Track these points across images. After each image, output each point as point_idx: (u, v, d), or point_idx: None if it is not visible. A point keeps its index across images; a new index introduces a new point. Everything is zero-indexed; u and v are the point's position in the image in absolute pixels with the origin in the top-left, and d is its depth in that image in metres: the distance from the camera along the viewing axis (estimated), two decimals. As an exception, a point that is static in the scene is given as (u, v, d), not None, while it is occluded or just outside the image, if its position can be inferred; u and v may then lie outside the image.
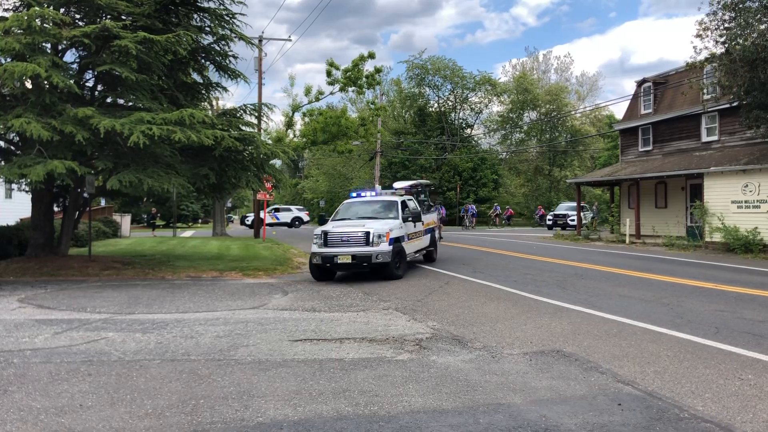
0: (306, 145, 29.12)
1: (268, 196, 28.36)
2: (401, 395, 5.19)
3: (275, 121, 65.01)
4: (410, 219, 14.22)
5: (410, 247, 14.24)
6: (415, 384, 5.52)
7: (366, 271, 13.35)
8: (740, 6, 17.86)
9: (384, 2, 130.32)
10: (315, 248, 13.04)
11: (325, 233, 12.96)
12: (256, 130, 18.18)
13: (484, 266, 15.68)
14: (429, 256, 16.65)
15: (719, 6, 18.47)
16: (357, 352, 6.70)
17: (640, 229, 25.69)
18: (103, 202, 35.51)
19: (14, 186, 17.73)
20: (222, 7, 16.13)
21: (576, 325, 8.10)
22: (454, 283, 12.64)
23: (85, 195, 16.11)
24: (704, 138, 24.14)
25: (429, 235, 16.33)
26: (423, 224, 15.61)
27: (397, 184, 18.04)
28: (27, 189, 15.81)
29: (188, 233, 39.39)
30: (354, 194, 16.14)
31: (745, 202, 19.62)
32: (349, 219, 14.19)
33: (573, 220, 34.61)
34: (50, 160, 12.03)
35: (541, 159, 58.64)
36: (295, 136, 29.85)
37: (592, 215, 36.05)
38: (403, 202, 14.72)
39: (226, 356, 6.53)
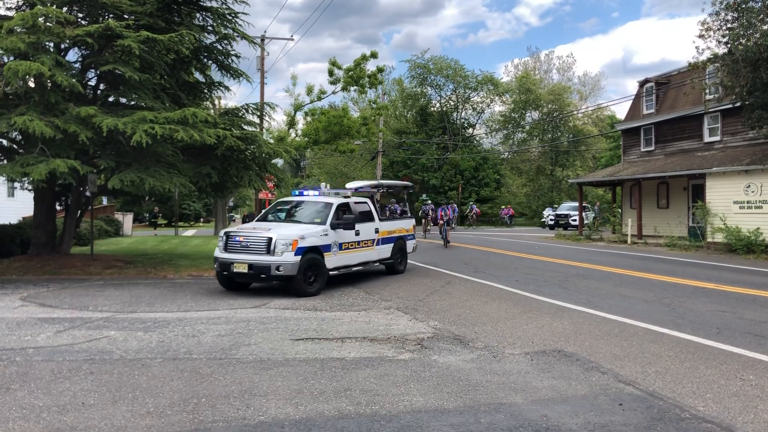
0: (308, 144, 29.06)
1: (270, 195, 28.37)
2: (402, 394, 5.19)
3: (277, 120, 65.03)
4: (342, 226, 11.90)
5: (345, 259, 12.09)
6: (416, 383, 5.53)
7: (272, 284, 11.69)
8: (743, 6, 17.84)
9: (386, 2, 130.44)
10: (217, 252, 11.43)
11: (227, 235, 11.26)
12: (258, 130, 18.18)
13: (486, 266, 15.68)
14: (391, 268, 14.19)
15: (722, 6, 18.46)
16: (358, 352, 6.71)
17: (642, 230, 25.66)
18: (105, 201, 35.50)
19: (17, 184, 17.77)
20: (224, 6, 16.12)
21: (577, 325, 8.10)
22: (456, 282, 12.64)
23: (87, 194, 16.14)
24: (706, 138, 24.12)
25: (391, 244, 13.93)
26: (378, 232, 13.41)
27: (351, 184, 15.43)
28: (29, 187, 15.83)
29: (190, 232, 39.42)
30: (297, 192, 13.94)
31: (747, 202, 19.60)
32: (269, 221, 12.52)
33: (575, 220, 34.58)
34: (53, 158, 12.04)
35: (543, 159, 58.56)
36: (297, 135, 29.79)
37: (594, 215, 35.99)
38: (343, 205, 12.40)
39: (228, 355, 6.54)
